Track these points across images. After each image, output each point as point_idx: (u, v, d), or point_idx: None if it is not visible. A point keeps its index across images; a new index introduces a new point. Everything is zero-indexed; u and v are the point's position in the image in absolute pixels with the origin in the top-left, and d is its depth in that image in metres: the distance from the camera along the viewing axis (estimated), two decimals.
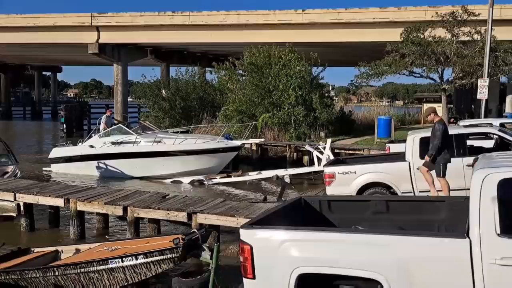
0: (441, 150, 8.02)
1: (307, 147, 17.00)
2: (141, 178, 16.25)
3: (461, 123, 12.93)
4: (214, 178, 15.90)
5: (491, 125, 10.11)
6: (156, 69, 34.12)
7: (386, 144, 14.10)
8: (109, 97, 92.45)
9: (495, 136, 9.75)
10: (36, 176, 15.99)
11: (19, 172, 14.11)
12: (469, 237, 3.60)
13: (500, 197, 3.53)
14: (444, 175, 8.00)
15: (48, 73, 66.47)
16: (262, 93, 22.37)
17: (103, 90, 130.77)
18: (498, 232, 3.50)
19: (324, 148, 15.79)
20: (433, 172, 8.23)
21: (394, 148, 12.44)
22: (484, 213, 3.56)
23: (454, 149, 8.54)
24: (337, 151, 18.42)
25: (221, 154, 16.22)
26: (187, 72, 27.92)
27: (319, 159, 15.65)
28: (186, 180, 15.82)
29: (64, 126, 31.40)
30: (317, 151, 15.88)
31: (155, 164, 15.97)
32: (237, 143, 16.75)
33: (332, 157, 15.35)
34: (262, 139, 20.00)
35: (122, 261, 5.54)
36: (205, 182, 15.55)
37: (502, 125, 11.01)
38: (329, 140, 16.34)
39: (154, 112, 26.27)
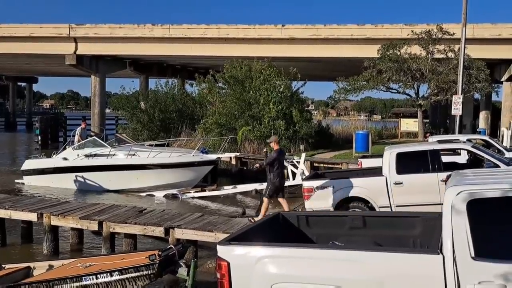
0: (272, 174, 9.34)
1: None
2: (115, 191, 16.05)
3: (430, 139, 13.27)
4: (189, 192, 15.80)
5: (458, 141, 10.46)
6: (135, 81, 33.97)
7: (358, 159, 14.29)
8: (86, 108, 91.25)
9: (464, 152, 10.03)
10: (8, 189, 15.57)
11: None
12: (442, 253, 3.66)
13: (471, 215, 3.60)
14: (269, 196, 9.41)
15: (23, 84, 65.23)
16: (242, 106, 22.45)
17: (80, 101, 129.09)
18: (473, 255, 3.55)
19: (299, 162, 15.89)
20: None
21: (366, 163, 12.63)
22: (456, 230, 3.63)
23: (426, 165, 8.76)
24: (316, 164, 18.58)
25: (196, 168, 16.16)
26: (166, 85, 27.83)
27: (293, 174, 15.74)
28: (159, 194, 15.69)
29: (39, 137, 30.71)
30: (291, 165, 15.97)
31: (130, 177, 15.83)
32: (213, 157, 16.75)
33: (306, 172, 15.48)
34: (238, 153, 20.02)
35: (97, 278, 5.42)
36: (179, 196, 15.42)
37: (468, 140, 11.36)
38: (303, 155, 16.46)
39: (132, 124, 26.01)
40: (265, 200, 9.53)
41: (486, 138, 14.07)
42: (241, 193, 16.03)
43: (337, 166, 18.06)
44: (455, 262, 3.58)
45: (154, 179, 15.80)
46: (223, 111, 22.68)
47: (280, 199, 9.62)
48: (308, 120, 22.80)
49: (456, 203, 3.65)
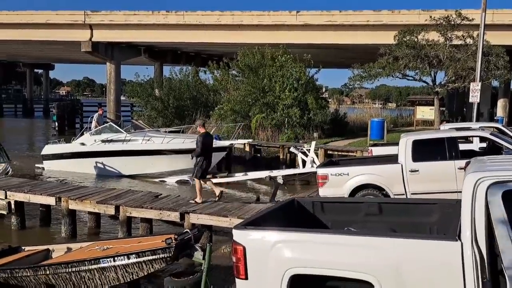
0: (199, 157, 9.66)
1: (292, 149, 17.06)
2: (130, 177, 16.30)
3: (442, 127, 13.06)
4: None
5: (472, 128, 10.31)
6: (149, 68, 34.06)
7: (369, 148, 14.12)
8: (102, 95, 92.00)
9: (476, 140, 9.89)
10: (28, 173, 15.94)
11: (10, 169, 14.04)
12: (460, 240, 3.62)
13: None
14: (198, 177, 9.68)
15: (40, 71, 65.94)
16: (256, 94, 22.39)
17: (96, 88, 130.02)
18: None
19: (309, 150, 15.83)
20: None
21: (377, 151, 12.50)
22: (477, 216, 3.59)
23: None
24: (330, 152, 18.51)
25: None
26: (181, 72, 27.87)
27: (303, 161, 15.71)
28: (171, 180, 15.84)
29: (56, 124, 31.21)
30: (301, 153, 15.93)
31: (144, 162, 16.05)
32: (226, 143, 16.80)
33: (316, 160, 15.42)
34: (251, 140, 19.99)
35: (114, 261, 5.52)
36: (190, 181, 15.55)
37: (482, 128, 11.17)
38: (313, 143, 16.37)
39: (147, 111, 26.20)
40: (197, 181, 9.74)
41: (500, 126, 13.73)
42: (254, 180, 16.06)
43: (352, 154, 17.96)
44: (474, 248, 3.55)
45: (168, 165, 15.94)
46: (238, 99, 22.67)
47: (208, 182, 9.99)
48: (323, 107, 22.65)
49: (477, 189, 3.60)
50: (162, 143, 16.21)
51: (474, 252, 3.54)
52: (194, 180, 10.39)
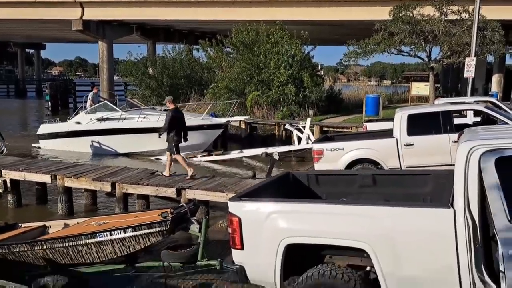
0: (170, 132, 9.83)
1: (287, 126, 17.10)
2: (126, 154, 16.32)
3: (436, 101, 13.09)
4: (195, 157, 15.90)
5: (464, 102, 10.36)
6: (142, 46, 33.62)
7: (363, 123, 14.16)
8: (95, 75, 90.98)
9: (470, 114, 9.94)
10: (24, 153, 15.92)
11: (5, 149, 14.01)
12: (453, 207, 3.67)
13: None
14: (176, 153, 9.91)
15: (31, 51, 65.02)
16: (251, 71, 22.22)
17: (88, 68, 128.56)
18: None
19: (304, 127, 15.85)
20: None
21: (371, 127, 12.56)
22: (470, 184, 3.62)
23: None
24: (326, 129, 18.56)
25: (206, 131, 16.27)
26: (174, 50, 27.54)
27: (299, 138, 15.76)
28: (165, 157, 15.83)
29: (50, 103, 30.96)
30: (297, 130, 15.96)
31: (140, 141, 16.03)
32: (222, 120, 16.80)
33: (312, 136, 15.47)
34: (248, 117, 19.96)
35: (111, 235, 5.56)
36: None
37: (476, 102, 11.22)
38: (308, 120, 16.41)
39: (141, 90, 26.00)
40: (179, 158, 10.06)
41: (494, 100, 13.76)
42: (250, 157, 16.11)
43: (347, 130, 18.02)
44: (466, 215, 3.59)
45: (164, 142, 15.89)
46: (232, 76, 22.51)
47: (178, 157, 10.16)
48: (318, 84, 22.55)
49: (470, 157, 3.63)
50: (158, 120, 16.14)
51: (467, 219, 3.59)
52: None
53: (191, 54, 28.99)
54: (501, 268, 3.37)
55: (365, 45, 21.51)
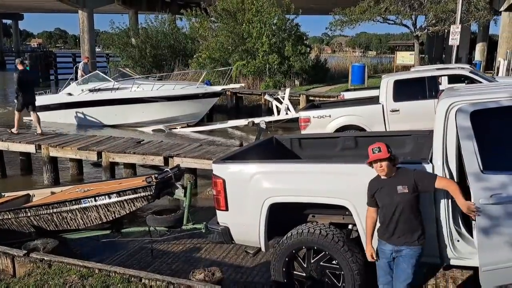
0: (20, 92, 10.86)
1: (267, 97, 16.97)
2: (119, 126, 15.93)
3: (412, 69, 13.13)
4: (175, 128, 15.80)
5: (449, 68, 10.44)
6: (124, 17, 32.82)
7: (341, 92, 14.16)
8: (76, 47, 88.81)
9: (445, 80, 10.05)
10: (8, 125, 15.52)
11: None
12: (432, 163, 3.75)
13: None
14: (18, 110, 11.12)
15: (8, 21, 62.99)
16: (236, 40, 21.89)
17: (69, 39, 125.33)
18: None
19: (283, 97, 15.78)
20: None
21: (349, 96, 12.59)
22: (448, 141, 3.69)
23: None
24: (312, 98, 18.53)
25: (201, 100, 15.88)
26: (156, 19, 26.92)
27: (278, 109, 15.69)
28: (147, 129, 15.69)
29: None
30: (276, 100, 15.89)
31: (135, 111, 15.63)
32: (218, 88, 16.46)
33: (291, 107, 15.45)
34: (243, 84, 19.58)
35: (95, 200, 5.56)
36: (165, 130, 15.45)
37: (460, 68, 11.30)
38: (287, 90, 16.28)
39: (124, 61, 25.49)
40: (17, 113, 11.11)
41: (467, 66, 13.59)
42: (235, 127, 16.07)
43: (333, 99, 18.01)
44: (445, 170, 3.67)
45: (159, 112, 15.59)
46: (216, 46, 22.17)
47: (32, 113, 11.20)
48: (302, 54, 22.35)
49: (449, 113, 3.69)
50: (152, 90, 15.76)
51: (445, 174, 3.67)
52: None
53: (175, 23, 28.39)
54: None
55: (351, 13, 21.36)
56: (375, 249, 3.72)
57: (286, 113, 15.37)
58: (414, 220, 3.55)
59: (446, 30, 20.24)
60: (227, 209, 4.42)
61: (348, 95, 12.61)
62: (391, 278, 3.67)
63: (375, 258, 3.71)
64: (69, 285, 3.52)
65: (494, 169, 3.49)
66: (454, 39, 17.36)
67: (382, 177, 3.62)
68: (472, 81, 9.39)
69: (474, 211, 3.40)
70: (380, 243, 3.69)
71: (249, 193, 4.26)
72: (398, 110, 8.87)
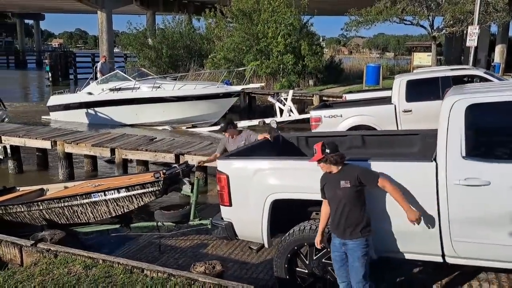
0: None
1: (269, 98, 16.91)
2: (139, 125, 15.95)
3: (421, 69, 12.93)
4: (180, 128, 15.87)
5: (464, 68, 10.32)
6: (142, 17, 33.22)
7: (343, 94, 14.01)
8: (95, 47, 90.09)
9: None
10: (28, 123, 15.89)
11: (7, 118, 14.06)
12: (436, 161, 3.74)
13: (466, 122, 3.65)
14: None
15: (30, 22, 64.33)
16: (250, 41, 21.97)
17: (89, 40, 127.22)
18: (464, 155, 3.63)
19: (286, 99, 15.73)
20: None
21: (351, 98, 12.41)
22: (451, 137, 3.68)
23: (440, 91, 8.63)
24: (325, 99, 18.46)
25: (221, 100, 15.85)
26: (173, 20, 27.19)
27: (281, 110, 15.63)
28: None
29: (50, 74, 30.81)
30: (278, 102, 15.86)
31: (155, 110, 15.66)
32: (237, 88, 16.42)
33: (293, 109, 15.40)
34: (263, 83, 19.50)
35: (105, 195, 5.68)
36: (169, 129, 15.57)
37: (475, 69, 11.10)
38: (290, 91, 16.21)
39: (140, 61, 25.81)
40: None
41: (469, 67, 13.27)
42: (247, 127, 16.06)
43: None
44: (447, 162, 3.66)
45: (180, 112, 15.63)
46: (231, 46, 22.27)
47: None
48: (317, 53, 22.28)
49: (453, 111, 3.68)
50: (173, 89, 15.72)
51: (447, 165, 3.66)
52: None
53: (191, 24, 28.62)
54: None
55: (367, 14, 21.19)
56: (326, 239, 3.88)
57: (289, 115, 15.37)
58: (357, 213, 3.70)
59: (464, 31, 19.94)
60: (230, 205, 4.47)
61: (350, 97, 12.48)
62: (346, 272, 3.80)
63: (320, 246, 3.90)
64: (73, 275, 3.61)
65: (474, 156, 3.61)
66: (472, 40, 17.05)
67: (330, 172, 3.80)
68: (486, 82, 9.24)
69: (419, 219, 3.62)
70: (332, 237, 3.85)
71: (252, 189, 4.31)
72: (410, 111, 8.79)
